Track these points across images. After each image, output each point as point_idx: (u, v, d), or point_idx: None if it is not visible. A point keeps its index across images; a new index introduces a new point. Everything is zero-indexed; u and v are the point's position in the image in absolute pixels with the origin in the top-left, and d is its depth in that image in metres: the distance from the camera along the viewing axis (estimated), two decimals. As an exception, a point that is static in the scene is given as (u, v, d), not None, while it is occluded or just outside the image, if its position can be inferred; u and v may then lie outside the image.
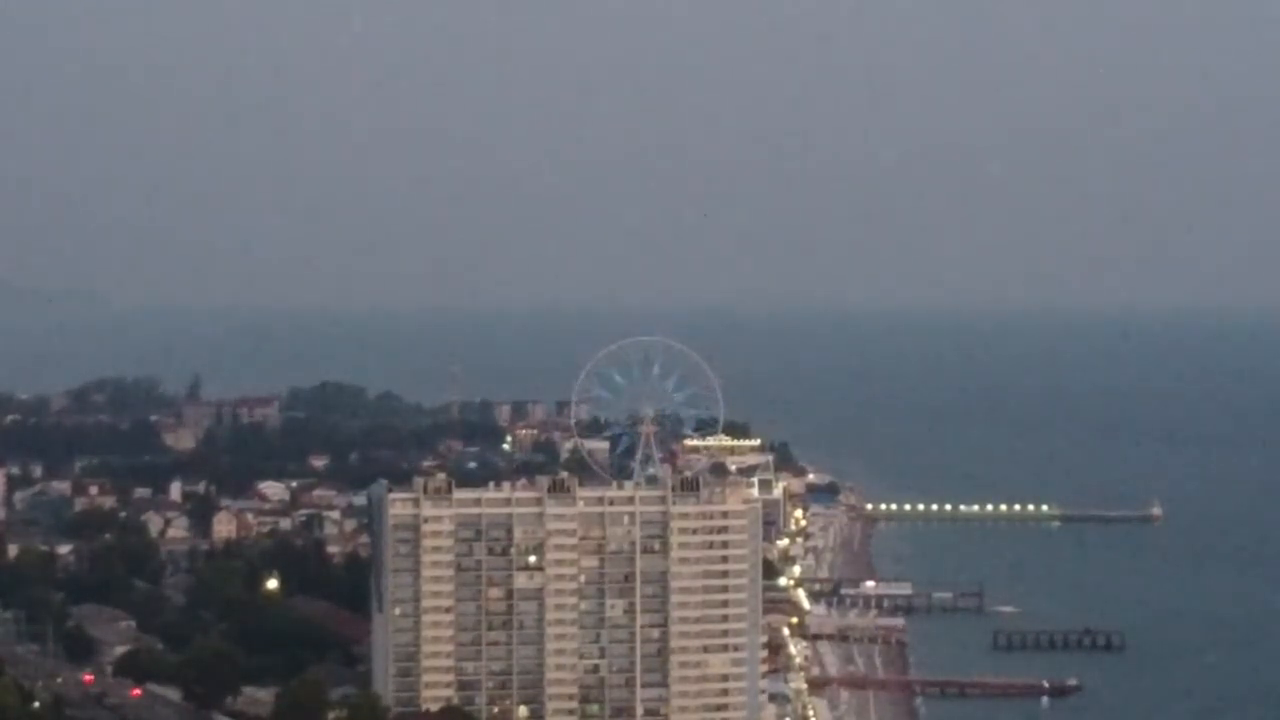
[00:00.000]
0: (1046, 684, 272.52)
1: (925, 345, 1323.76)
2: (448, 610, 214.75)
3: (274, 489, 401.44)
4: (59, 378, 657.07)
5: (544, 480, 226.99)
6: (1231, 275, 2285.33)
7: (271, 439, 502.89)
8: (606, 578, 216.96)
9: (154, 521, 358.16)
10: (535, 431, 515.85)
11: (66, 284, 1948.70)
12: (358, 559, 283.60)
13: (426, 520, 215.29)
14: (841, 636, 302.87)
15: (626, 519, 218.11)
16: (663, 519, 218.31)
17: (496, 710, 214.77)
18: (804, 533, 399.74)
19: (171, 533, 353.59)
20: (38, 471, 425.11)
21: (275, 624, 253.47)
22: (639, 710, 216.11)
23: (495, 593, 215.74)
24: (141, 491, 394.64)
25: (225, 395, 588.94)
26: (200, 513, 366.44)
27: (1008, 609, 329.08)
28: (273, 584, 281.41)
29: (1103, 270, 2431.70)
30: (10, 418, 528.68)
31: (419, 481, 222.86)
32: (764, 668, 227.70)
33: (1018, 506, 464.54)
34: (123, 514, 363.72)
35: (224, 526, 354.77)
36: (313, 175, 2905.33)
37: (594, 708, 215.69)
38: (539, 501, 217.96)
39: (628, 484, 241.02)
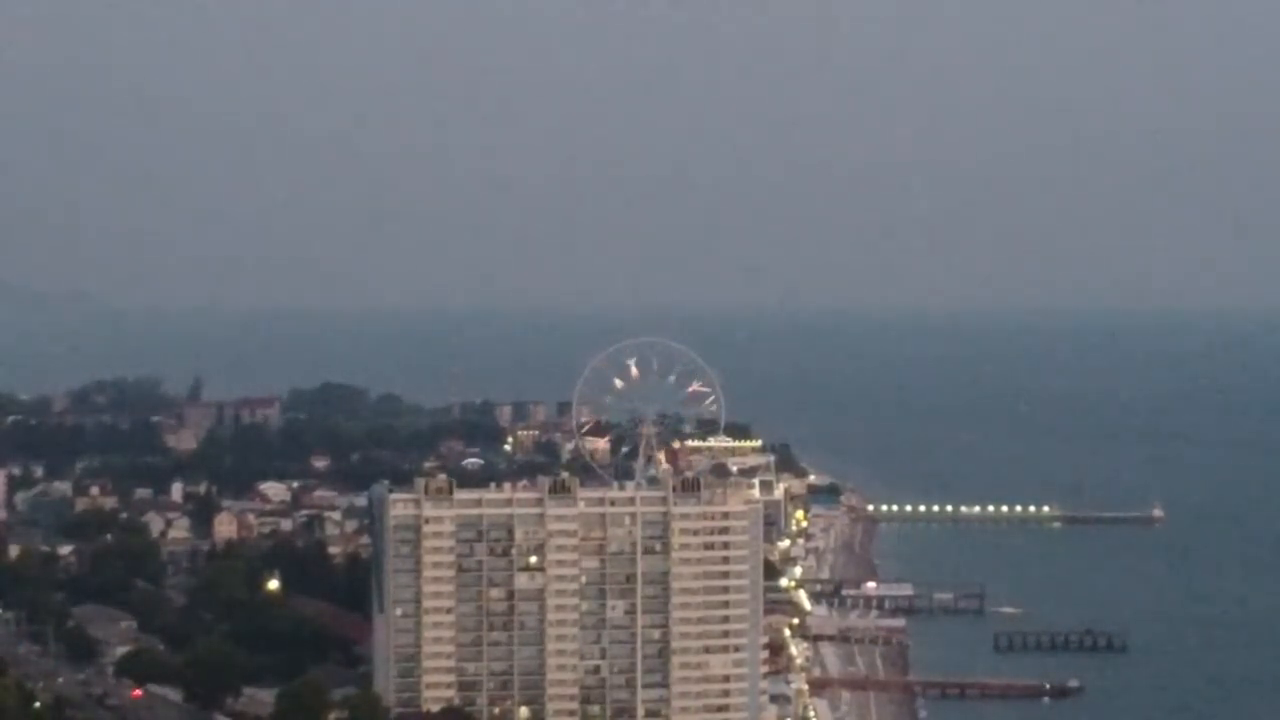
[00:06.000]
0: (1047, 685, 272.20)
1: (926, 347, 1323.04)
2: (449, 611, 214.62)
3: (275, 490, 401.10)
4: (60, 379, 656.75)
5: (545, 481, 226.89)
6: (1231, 276, 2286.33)
7: (273, 440, 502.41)
8: (607, 578, 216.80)
9: (155, 522, 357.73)
10: (536, 432, 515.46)
11: (68, 285, 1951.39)
12: (359, 560, 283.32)
13: (427, 521, 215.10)
14: (843, 637, 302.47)
15: (627, 520, 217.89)
16: (664, 520, 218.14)
17: (498, 711, 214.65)
18: (805, 534, 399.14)
19: (173, 533, 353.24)
20: (39, 472, 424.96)
21: (276, 624, 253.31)
22: (640, 711, 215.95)
23: (496, 593, 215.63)
24: (143, 492, 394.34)
25: (226, 396, 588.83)
26: (201, 513, 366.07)
27: (1009, 610, 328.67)
28: (274, 584, 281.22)
29: (1102, 271, 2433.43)
30: (11, 418, 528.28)
31: (420, 482, 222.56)
32: (765, 668, 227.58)
33: (1019, 508, 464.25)
34: (124, 514, 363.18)
35: (225, 527, 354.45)
36: (314, 177, 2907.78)
37: (595, 708, 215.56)
38: (540, 502, 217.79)
39: (629, 485, 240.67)
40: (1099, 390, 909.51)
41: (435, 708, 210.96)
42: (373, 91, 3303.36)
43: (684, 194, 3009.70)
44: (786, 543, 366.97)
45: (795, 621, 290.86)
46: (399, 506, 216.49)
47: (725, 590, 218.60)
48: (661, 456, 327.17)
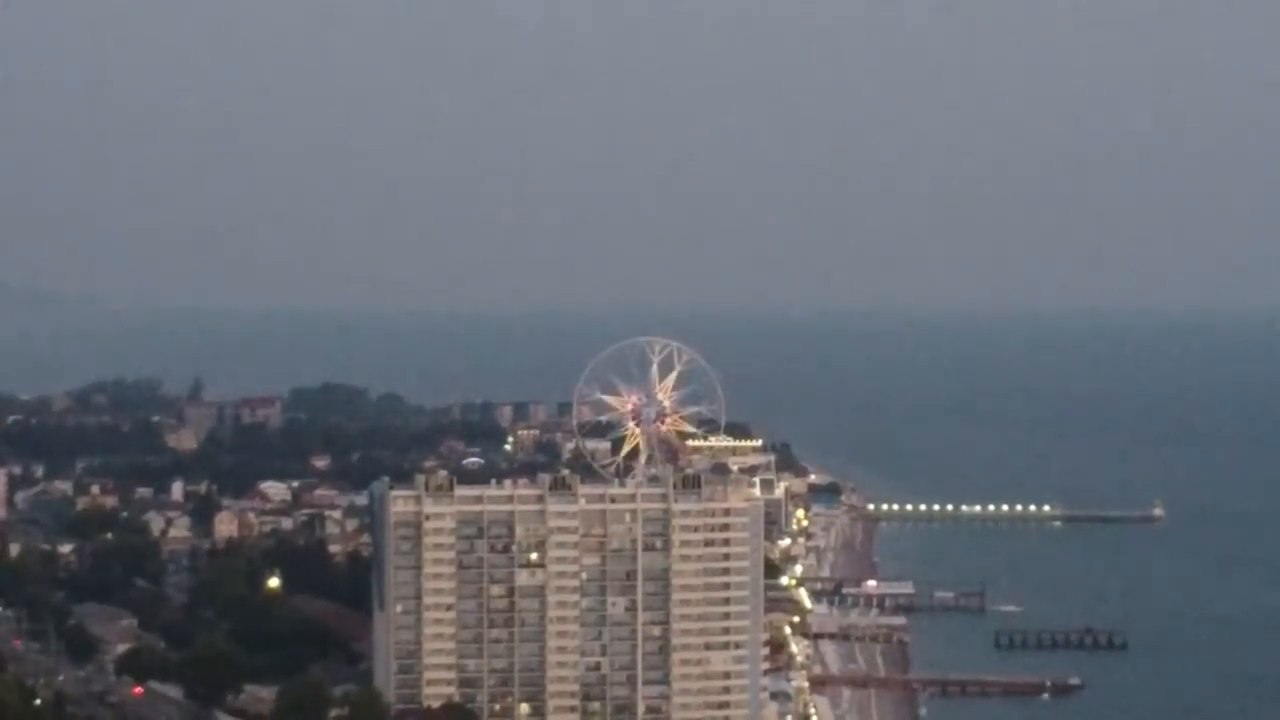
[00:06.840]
0: (1048, 683, 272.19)
1: (926, 346, 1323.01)
2: (449, 608, 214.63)
3: (275, 489, 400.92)
4: (61, 379, 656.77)
5: (546, 478, 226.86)
6: (1231, 276, 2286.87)
7: (273, 439, 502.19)
8: (608, 575, 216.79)
9: (156, 521, 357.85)
10: (537, 432, 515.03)
11: (69, 286, 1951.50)
12: (359, 558, 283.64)
13: (428, 517, 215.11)
14: (843, 635, 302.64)
15: (628, 516, 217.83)
16: (664, 516, 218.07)
17: (498, 708, 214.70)
18: (806, 533, 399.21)
19: (173, 532, 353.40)
20: (39, 471, 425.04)
21: (277, 623, 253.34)
22: (640, 708, 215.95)
23: (497, 590, 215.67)
24: (143, 491, 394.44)
25: (227, 396, 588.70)
26: (202, 512, 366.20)
27: (1009, 608, 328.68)
28: (274, 583, 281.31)
29: (1101, 271, 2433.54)
30: (12, 418, 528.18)
31: (421, 479, 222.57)
32: (765, 666, 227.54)
33: (1019, 507, 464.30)
34: (124, 514, 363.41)
35: (226, 526, 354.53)
36: (313, 177, 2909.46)
37: (595, 705, 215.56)
38: (541, 499, 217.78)
39: (629, 482, 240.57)
40: (1100, 390, 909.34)
41: (436, 705, 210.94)
42: (372, 92, 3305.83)
43: (684, 193, 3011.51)
44: (787, 541, 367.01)
45: (796, 619, 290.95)
46: (400, 503, 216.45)
47: (726, 587, 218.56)
48: (661, 456, 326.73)
